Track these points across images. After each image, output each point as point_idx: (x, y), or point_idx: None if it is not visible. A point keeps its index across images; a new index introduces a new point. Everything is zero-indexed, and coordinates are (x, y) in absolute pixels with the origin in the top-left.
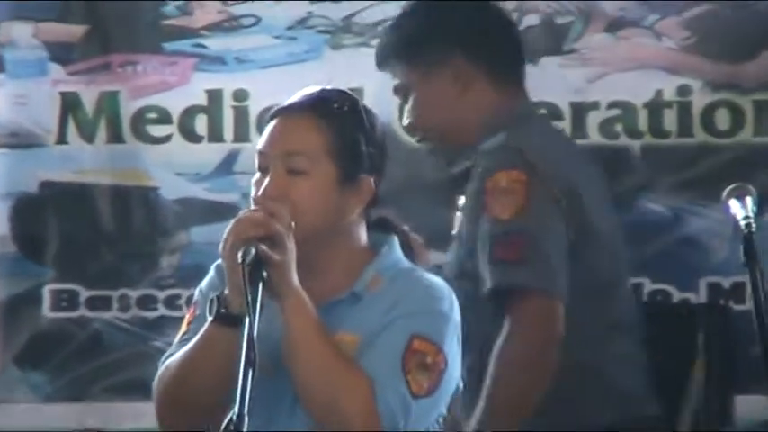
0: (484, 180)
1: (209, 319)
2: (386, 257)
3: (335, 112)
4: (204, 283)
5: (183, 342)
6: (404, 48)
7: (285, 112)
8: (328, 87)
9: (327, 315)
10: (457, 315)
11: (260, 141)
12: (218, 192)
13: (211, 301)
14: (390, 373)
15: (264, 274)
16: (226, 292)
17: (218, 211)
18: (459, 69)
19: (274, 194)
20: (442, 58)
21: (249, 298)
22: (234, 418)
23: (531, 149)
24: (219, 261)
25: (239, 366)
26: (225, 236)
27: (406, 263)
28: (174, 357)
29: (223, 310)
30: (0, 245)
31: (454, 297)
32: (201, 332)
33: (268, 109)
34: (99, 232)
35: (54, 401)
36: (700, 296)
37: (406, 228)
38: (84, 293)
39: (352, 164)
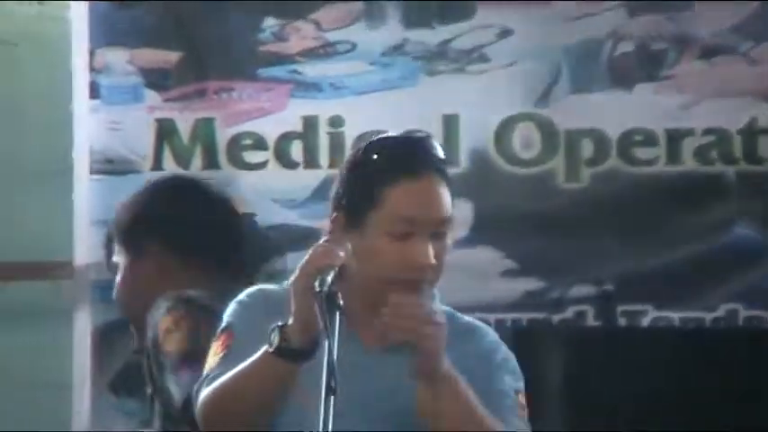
0: None
1: (269, 350)
2: (436, 299)
3: (446, 167)
4: (234, 316)
5: (223, 371)
6: (117, 234)
7: (418, 174)
8: (421, 136)
9: (396, 354)
10: None
11: (402, 207)
12: (313, 218)
13: (272, 330)
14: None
15: (341, 302)
16: (290, 322)
17: (313, 238)
18: (157, 257)
19: (430, 263)
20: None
21: (328, 325)
22: None
23: None
24: (241, 296)
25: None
26: (299, 266)
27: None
28: (221, 382)
29: (284, 344)
30: (95, 271)
31: None
32: (255, 361)
33: (362, 135)
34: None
35: (150, 428)
36: None
37: None
38: None
39: None
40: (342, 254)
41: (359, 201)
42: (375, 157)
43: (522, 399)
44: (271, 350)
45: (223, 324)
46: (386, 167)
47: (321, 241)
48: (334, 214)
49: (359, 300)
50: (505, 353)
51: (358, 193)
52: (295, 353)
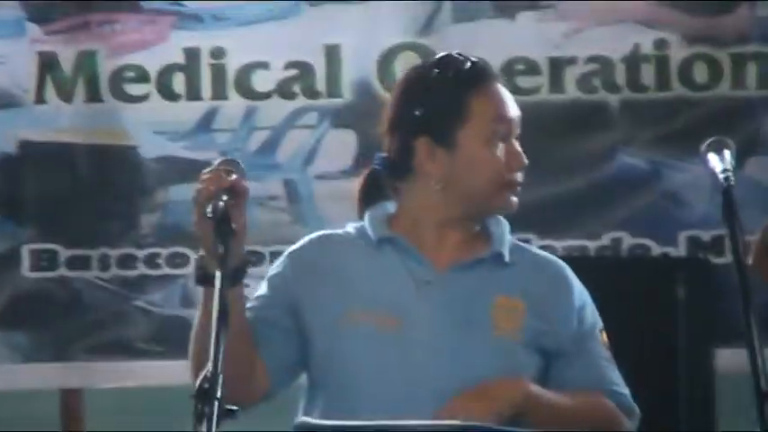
0: None
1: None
2: (506, 229)
3: None
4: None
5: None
6: None
7: (493, 77)
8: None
9: (469, 272)
10: None
11: (496, 106)
12: (196, 150)
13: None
14: (611, 370)
15: (234, 226)
16: (201, 252)
17: (197, 170)
18: None
19: (525, 164)
20: None
21: (220, 250)
22: (208, 375)
23: None
24: (292, 248)
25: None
26: (192, 197)
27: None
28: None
29: (200, 272)
30: None
31: None
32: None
33: (246, 66)
34: (78, 192)
35: (35, 361)
36: (679, 250)
37: None
38: (64, 253)
39: None
40: (232, 176)
41: (447, 118)
42: (451, 74)
43: (603, 335)
44: (195, 282)
45: None
46: (465, 80)
47: None
48: (420, 138)
49: (431, 223)
50: (581, 288)
51: (444, 111)
52: (212, 278)
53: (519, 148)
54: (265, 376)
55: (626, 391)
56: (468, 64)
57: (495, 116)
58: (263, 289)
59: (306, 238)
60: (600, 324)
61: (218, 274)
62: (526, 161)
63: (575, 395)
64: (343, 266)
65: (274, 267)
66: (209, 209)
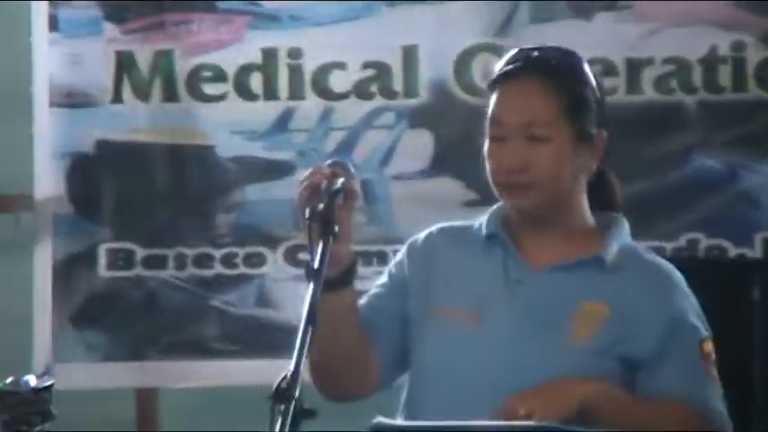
0: None
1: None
2: (622, 231)
3: (563, 71)
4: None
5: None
6: None
7: (512, 78)
8: (541, 46)
9: (564, 274)
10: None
11: (493, 110)
12: (273, 150)
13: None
14: (704, 384)
15: (337, 228)
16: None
17: (273, 169)
18: None
19: (515, 166)
20: None
21: (320, 253)
22: (288, 376)
23: None
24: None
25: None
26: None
27: (631, 241)
28: None
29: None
30: (56, 205)
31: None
32: None
33: (323, 66)
34: (155, 191)
35: (111, 360)
36: (755, 251)
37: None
38: (141, 252)
39: (587, 121)
40: (339, 178)
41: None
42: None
43: (706, 346)
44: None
45: None
46: (493, 80)
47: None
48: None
49: (522, 221)
50: (685, 296)
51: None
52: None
53: (513, 150)
54: (378, 369)
55: (720, 407)
56: (504, 59)
57: (490, 118)
58: (383, 278)
59: (429, 228)
60: (702, 336)
61: (312, 277)
62: (515, 164)
63: (656, 401)
64: (449, 259)
65: (396, 256)
66: (307, 210)
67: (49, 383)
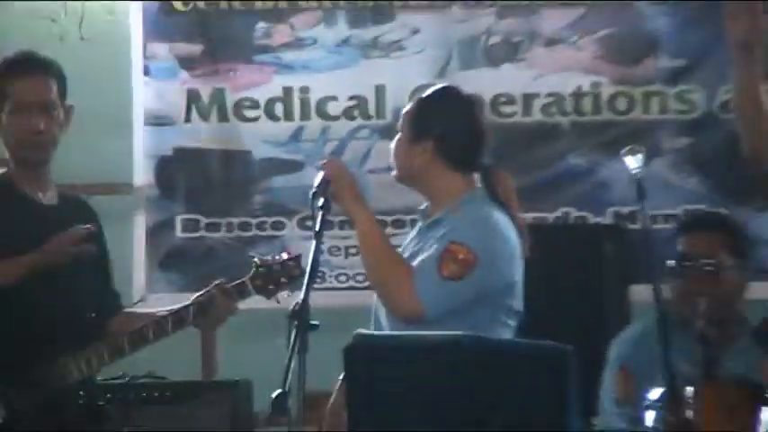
0: None
1: None
2: (471, 197)
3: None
4: None
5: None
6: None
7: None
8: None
9: (430, 228)
10: (509, 234)
11: None
12: (290, 153)
13: None
14: (428, 267)
15: (320, 204)
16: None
17: (290, 166)
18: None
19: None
20: None
21: (319, 221)
22: (300, 301)
23: None
24: None
25: None
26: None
27: (485, 208)
28: None
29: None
30: (148, 189)
31: (513, 232)
32: None
33: (323, 98)
34: (212, 180)
35: (185, 292)
36: (607, 219)
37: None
38: (203, 221)
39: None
40: (335, 168)
41: None
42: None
43: (453, 247)
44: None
45: None
46: None
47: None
48: None
49: None
50: (488, 222)
51: None
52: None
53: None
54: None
55: (422, 289)
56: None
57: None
58: None
59: None
60: (456, 238)
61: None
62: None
63: (400, 259)
64: None
65: None
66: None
67: (296, 255)
